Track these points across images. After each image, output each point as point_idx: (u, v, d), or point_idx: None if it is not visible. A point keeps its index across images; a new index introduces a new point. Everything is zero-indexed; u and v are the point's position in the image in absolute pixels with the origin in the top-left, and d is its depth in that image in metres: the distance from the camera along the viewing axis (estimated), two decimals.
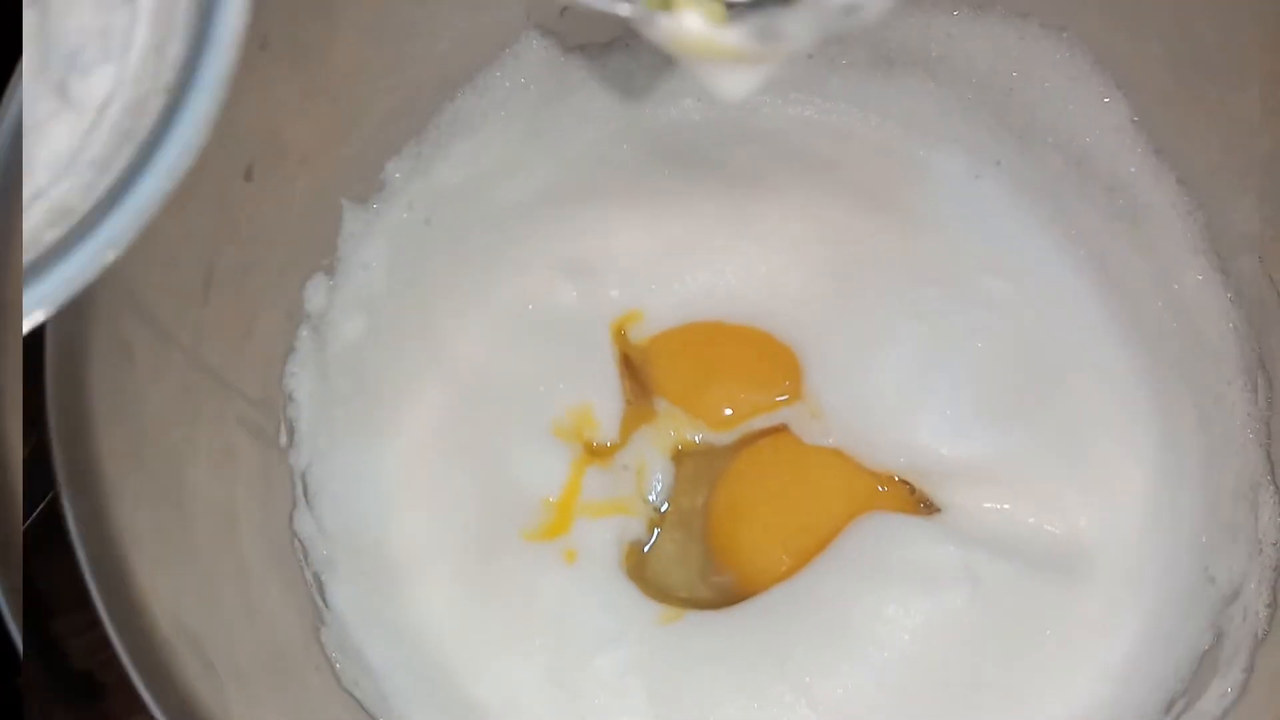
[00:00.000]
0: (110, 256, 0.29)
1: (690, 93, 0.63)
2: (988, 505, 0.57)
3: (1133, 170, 0.57)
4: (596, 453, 0.60)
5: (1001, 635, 0.54)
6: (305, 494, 0.55)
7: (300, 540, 0.53)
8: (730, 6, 0.32)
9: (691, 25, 0.30)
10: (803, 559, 0.57)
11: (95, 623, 0.38)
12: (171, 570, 0.42)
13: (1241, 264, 0.55)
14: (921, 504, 0.59)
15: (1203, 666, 0.53)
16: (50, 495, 0.42)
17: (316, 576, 0.53)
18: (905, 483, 0.59)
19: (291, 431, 0.55)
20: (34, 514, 0.47)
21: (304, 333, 0.56)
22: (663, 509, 0.60)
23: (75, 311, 0.41)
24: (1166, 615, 0.54)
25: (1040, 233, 0.61)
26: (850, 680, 0.54)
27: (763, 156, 0.62)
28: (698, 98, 0.63)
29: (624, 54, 0.61)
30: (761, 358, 0.61)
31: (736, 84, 0.33)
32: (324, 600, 0.53)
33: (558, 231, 0.61)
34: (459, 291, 0.60)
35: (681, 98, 0.63)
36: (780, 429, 0.61)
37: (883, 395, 0.59)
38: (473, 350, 0.60)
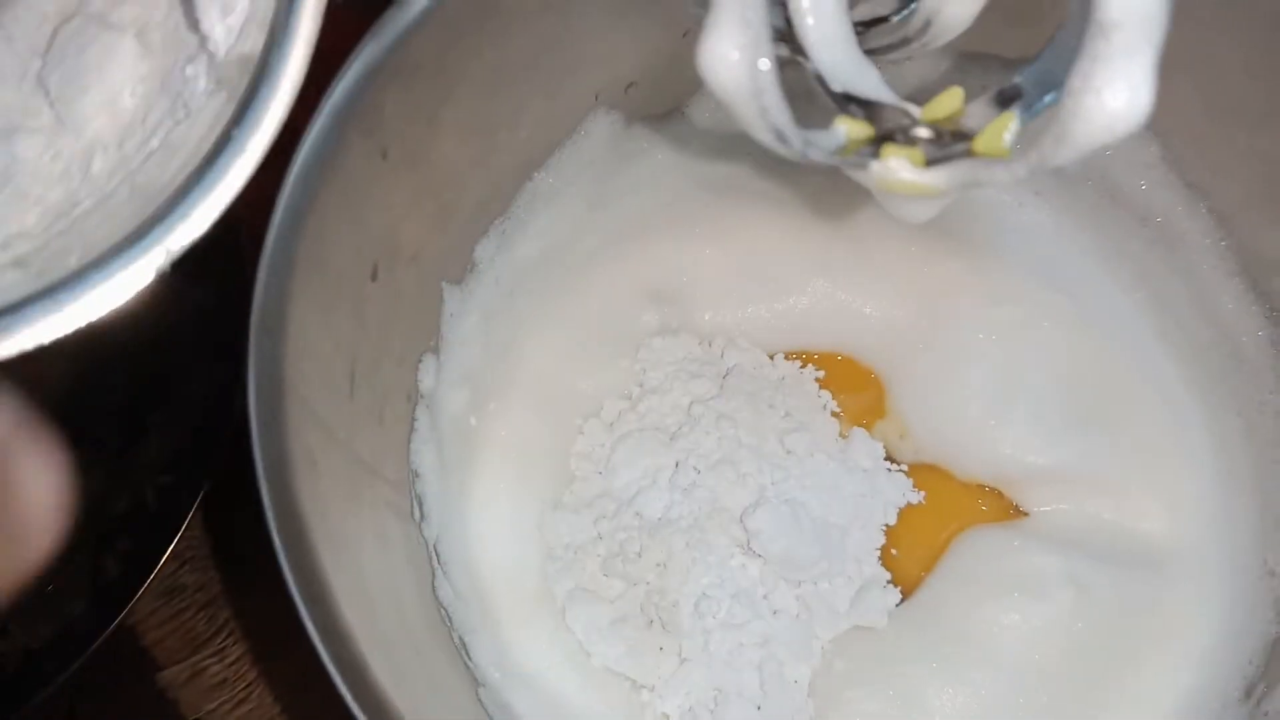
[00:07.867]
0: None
1: (743, 148, 0.65)
2: (1071, 508, 0.62)
3: (1165, 203, 0.61)
4: None
5: (1102, 633, 0.58)
6: (440, 563, 0.58)
7: (445, 608, 0.56)
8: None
9: (901, 171, 0.34)
10: (920, 577, 0.61)
11: None
12: (384, 660, 0.45)
13: (1274, 285, 0.59)
14: (1011, 510, 0.63)
15: (1275, 654, 0.57)
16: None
17: (461, 640, 0.57)
18: (995, 490, 0.63)
19: (421, 505, 0.58)
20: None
21: (421, 412, 0.59)
22: None
23: (276, 433, 0.45)
24: (1236, 607, 0.58)
25: (1086, 255, 0.64)
26: (969, 689, 0.58)
27: (823, 189, 0.65)
28: (749, 151, 0.66)
29: (679, 121, 0.65)
30: (849, 381, 0.65)
31: (921, 211, 0.37)
32: (471, 661, 0.56)
33: (635, 272, 0.65)
34: (546, 350, 0.64)
35: (735, 153, 0.66)
36: None
37: (968, 410, 0.63)
38: (567, 397, 0.64)
